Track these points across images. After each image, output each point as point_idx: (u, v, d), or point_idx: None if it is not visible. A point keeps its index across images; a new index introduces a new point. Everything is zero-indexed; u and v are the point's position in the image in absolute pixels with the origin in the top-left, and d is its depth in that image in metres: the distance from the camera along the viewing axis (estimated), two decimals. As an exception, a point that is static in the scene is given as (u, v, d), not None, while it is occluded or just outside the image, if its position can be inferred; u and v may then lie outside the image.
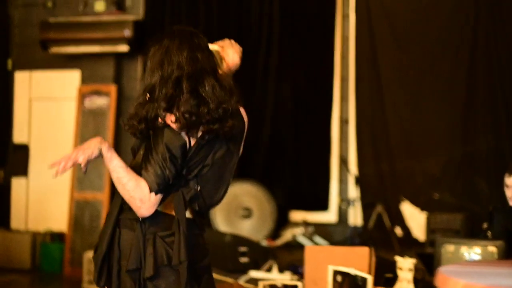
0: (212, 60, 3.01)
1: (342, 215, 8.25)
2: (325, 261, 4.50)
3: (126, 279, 2.92)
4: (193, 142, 2.88)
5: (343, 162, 8.24)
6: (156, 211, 2.86)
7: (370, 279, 4.27)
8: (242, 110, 3.04)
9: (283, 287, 4.74)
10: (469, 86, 7.63)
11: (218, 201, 3.00)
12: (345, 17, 8.33)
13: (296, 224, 8.03)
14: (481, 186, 7.53)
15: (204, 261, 2.97)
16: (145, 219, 2.87)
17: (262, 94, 8.21)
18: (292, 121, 8.32)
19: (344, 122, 8.30)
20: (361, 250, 4.54)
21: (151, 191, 2.81)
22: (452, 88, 7.70)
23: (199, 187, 2.92)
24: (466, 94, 7.64)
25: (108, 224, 2.97)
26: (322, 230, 7.97)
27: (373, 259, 4.49)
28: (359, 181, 7.98)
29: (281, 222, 7.99)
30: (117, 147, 8.78)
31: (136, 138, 3.01)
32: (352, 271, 4.38)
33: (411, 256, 5.05)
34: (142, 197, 2.81)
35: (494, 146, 7.53)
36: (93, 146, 2.87)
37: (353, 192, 8.13)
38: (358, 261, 4.46)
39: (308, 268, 4.58)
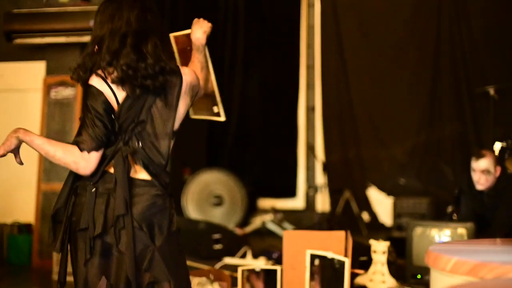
0: (160, 24, 3.17)
1: (310, 201, 8.34)
2: (303, 245, 4.58)
3: (77, 238, 3.03)
4: (122, 97, 3.01)
5: (310, 149, 8.33)
6: (105, 171, 3.01)
7: (347, 262, 4.37)
8: (186, 70, 3.18)
9: (261, 272, 4.81)
10: (434, 74, 7.77)
11: (164, 158, 3.07)
12: (310, 6, 8.39)
13: (265, 211, 8.11)
14: (445, 171, 7.68)
15: (171, 226, 3.07)
16: (96, 181, 3.00)
17: (229, 82, 8.27)
18: (259, 109, 8.40)
19: (310, 109, 8.39)
20: (337, 234, 4.63)
21: (82, 150, 2.95)
22: (417, 76, 7.83)
23: (140, 144, 3.03)
24: (431, 82, 7.78)
25: (64, 190, 3.09)
26: (290, 216, 8.05)
27: (350, 242, 4.59)
28: (326, 167, 8.06)
29: (251, 210, 8.06)
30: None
31: (82, 87, 3.10)
32: (330, 254, 4.47)
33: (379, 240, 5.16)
34: (74, 159, 2.96)
35: (458, 133, 7.69)
36: (9, 138, 3.08)
37: (321, 178, 8.22)
38: (335, 244, 4.55)
39: (286, 252, 4.66)
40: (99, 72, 3.00)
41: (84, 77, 3.05)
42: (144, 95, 3.03)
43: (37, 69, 9.01)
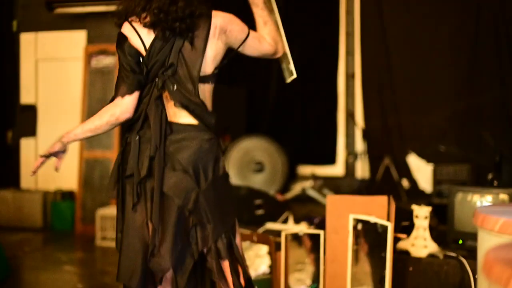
0: None
1: (350, 168, 8.36)
2: (346, 210, 4.61)
3: (126, 184, 3.18)
4: (149, 40, 3.13)
5: (350, 116, 8.33)
6: (146, 118, 3.15)
7: (390, 226, 4.40)
8: (219, 14, 3.24)
9: (304, 236, 4.86)
10: (474, 40, 7.68)
11: (200, 99, 3.14)
12: (349, -27, 8.37)
13: (305, 178, 8.15)
14: (486, 137, 7.65)
15: (217, 170, 3.16)
16: (139, 128, 3.15)
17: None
18: (298, 75, 8.39)
19: (350, 76, 8.37)
20: (380, 199, 4.65)
21: (114, 98, 3.17)
22: (457, 41, 7.75)
23: (174, 86, 3.13)
24: (471, 47, 7.69)
25: (120, 143, 3.37)
26: (330, 183, 8.08)
27: (392, 207, 4.61)
28: (366, 134, 8.07)
29: (291, 176, 8.11)
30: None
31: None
32: (373, 219, 4.50)
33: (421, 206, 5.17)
34: (111, 113, 3.16)
35: (499, 99, 7.62)
36: (53, 145, 3.27)
37: (360, 145, 8.23)
38: (377, 209, 4.57)
39: (330, 217, 4.69)
40: (132, 18, 3.14)
41: (119, 23, 3.22)
42: (172, 38, 3.13)
43: (78, 38, 9.12)
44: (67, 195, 8.98)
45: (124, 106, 3.14)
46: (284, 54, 3.58)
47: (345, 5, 8.31)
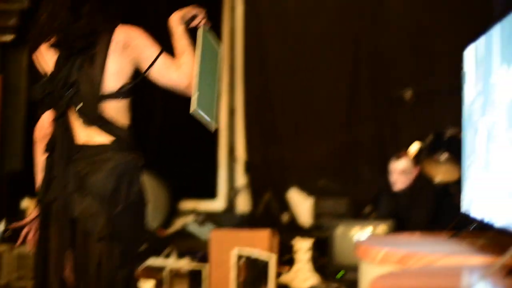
0: None
1: (231, 202, 8.37)
2: (229, 244, 4.63)
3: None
4: (52, 61, 3.11)
5: (231, 150, 8.36)
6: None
7: (273, 259, 4.44)
8: (123, 30, 3.16)
9: (188, 273, 4.84)
10: (352, 77, 7.91)
11: (104, 118, 3.09)
12: (233, 9, 8.44)
13: (187, 212, 8.10)
14: (364, 172, 7.84)
15: (130, 190, 3.11)
16: (49, 149, 3.15)
17: (151, 85, 8.22)
18: (182, 111, 8.36)
19: (232, 110, 8.42)
20: (262, 233, 4.71)
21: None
22: (337, 77, 7.95)
23: (79, 105, 3.07)
24: (350, 83, 7.92)
25: None
26: (211, 218, 8.06)
27: (275, 241, 4.66)
28: (247, 169, 8.12)
29: (173, 211, 8.05)
30: (1, 139, 8.61)
31: None
32: (256, 252, 4.54)
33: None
34: (36, 136, 3.24)
35: (376, 134, 7.84)
36: None
37: (242, 179, 8.27)
38: (260, 243, 4.62)
39: (213, 251, 4.70)
40: (42, 40, 3.11)
41: (33, 46, 3.17)
42: (74, 56, 3.07)
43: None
44: None
45: (40, 124, 3.18)
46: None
47: (228, 41, 8.38)
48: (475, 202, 2.92)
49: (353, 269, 4.53)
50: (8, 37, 8.37)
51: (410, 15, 7.76)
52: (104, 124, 3.06)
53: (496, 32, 2.57)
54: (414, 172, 6.07)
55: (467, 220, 3.06)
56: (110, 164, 3.03)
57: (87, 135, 3.09)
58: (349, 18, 7.99)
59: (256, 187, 8.08)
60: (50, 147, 3.13)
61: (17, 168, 8.61)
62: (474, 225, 3.03)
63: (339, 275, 5.10)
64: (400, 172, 6.02)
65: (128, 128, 3.16)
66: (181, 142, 8.43)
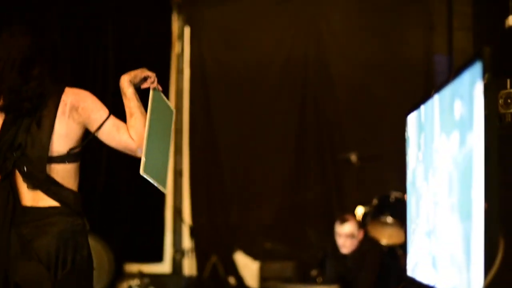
0: (51, 49, 3.21)
1: (177, 265, 8.30)
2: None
3: None
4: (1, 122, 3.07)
5: (178, 213, 8.32)
6: None
7: (218, 325, 4.39)
8: (71, 92, 3.14)
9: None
10: (299, 140, 7.99)
11: (52, 181, 3.05)
12: (180, 72, 8.49)
13: (132, 276, 7.99)
14: (310, 235, 7.85)
15: (76, 255, 3.08)
16: None
17: (97, 143, 8.14)
18: (127, 172, 8.31)
19: (178, 173, 8.39)
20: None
21: None
22: (283, 140, 8.02)
23: (25, 168, 3.04)
24: (296, 147, 7.99)
25: None
26: (157, 281, 7.96)
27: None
28: (193, 232, 8.06)
29: (117, 274, 7.92)
30: None
31: None
32: (200, 317, 4.48)
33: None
34: None
35: (322, 197, 7.89)
36: None
37: (188, 242, 8.20)
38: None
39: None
40: None
41: None
42: (20, 118, 3.04)
43: None
44: None
45: None
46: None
47: (174, 103, 8.40)
48: (420, 267, 2.93)
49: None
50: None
51: (355, 79, 7.90)
52: (50, 188, 3.02)
53: (436, 101, 2.62)
54: (359, 235, 6.09)
55: (412, 284, 3.07)
56: (56, 228, 2.98)
57: (33, 198, 3.04)
58: (295, 82, 8.10)
59: (202, 250, 8.03)
60: None
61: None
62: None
63: None
64: (346, 236, 6.05)
65: (75, 193, 3.11)
66: (126, 204, 8.35)
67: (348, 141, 7.81)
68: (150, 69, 3.38)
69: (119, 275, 8.02)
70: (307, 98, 8.07)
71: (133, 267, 8.18)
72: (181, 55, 8.52)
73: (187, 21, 8.51)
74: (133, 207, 8.40)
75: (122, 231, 8.28)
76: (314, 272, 6.62)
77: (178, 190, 8.40)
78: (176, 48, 8.55)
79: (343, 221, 6.12)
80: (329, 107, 7.98)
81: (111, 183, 8.28)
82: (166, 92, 8.44)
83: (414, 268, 3.09)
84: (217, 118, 8.22)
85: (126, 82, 3.23)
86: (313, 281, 6.47)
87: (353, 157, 7.15)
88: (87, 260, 3.09)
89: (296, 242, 7.90)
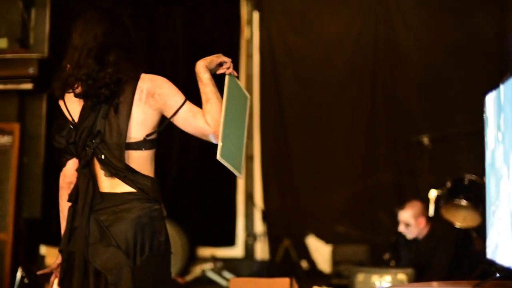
0: (128, 36, 3.20)
1: (249, 249, 8.36)
2: (249, 292, 4.60)
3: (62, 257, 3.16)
4: (77, 110, 3.09)
5: (249, 197, 8.37)
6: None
7: (293, 307, 4.40)
8: (148, 78, 3.12)
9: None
10: (370, 123, 7.95)
11: (129, 167, 3.04)
12: (249, 56, 8.52)
13: (205, 260, 8.09)
14: (382, 218, 7.81)
15: (154, 241, 3.06)
16: (73, 199, 3.12)
17: (169, 130, 8.26)
18: (198, 157, 8.39)
19: (249, 158, 8.44)
20: (282, 281, 4.65)
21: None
22: (354, 124, 8.00)
23: (103, 156, 3.04)
24: (367, 130, 7.96)
25: None
26: (230, 265, 8.05)
27: (295, 288, 4.62)
28: (265, 216, 8.11)
29: (191, 258, 8.03)
30: (20, 186, 8.64)
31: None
32: (276, 300, 4.50)
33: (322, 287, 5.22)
34: (62, 186, 3.28)
35: (394, 180, 7.84)
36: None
37: (260, 227, 8.26)
38: (280, 291, 4.58)
39: (233, 299, 4.66)
40: (68, 88, 3.08)
41: (58, 95, 3.14)
42: (98, 105, 3.05)
43: (-27, 116, 8.89)
44: (-42, 279, 8.61)
45: (64, 172, 3.19)
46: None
47: (244, 87, 8.42)
48: (501, 249, 2.89)
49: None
50: (28, 86, 8.45)
51: (425, 60, 7.82)
52: (128, 176, 3.02)
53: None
54: (419, 224, 6.04)
55: (492, 267, 3.03)
56: (133, 214, 2.98)
57: (111, 184, 3.05)
58: (365, 65, 8.05)
59: (274, 234, 8.07)
60: (74, 197, 3.10)
61: (36, 215, 8.64)
62: (500, 273, 2.99)
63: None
64: (402, 223, 6.04)
65: (153, 179, 3.09)
66: (199, 189, 8.44)
67: (419, 124, 7.74)
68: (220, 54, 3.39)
69: (193, 259, 8.13)
70: (377, 80, 8.02)
71: (206, 252, 8.28)
72: (250, 40, 8.56)
73: (256, 6, 8.54)
74: (205, 192, 8.48)
75: (195, 216, 8.37)
76: (386, 256, 6.59)
77: (250, 175, 8.45)
78: (245, 34, 8.59)
79: (400, 208, 6.11)
80: (399, 89, 7.92)
81: (183, 168, 8.38)
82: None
83: (495, 251, 3.05)
84: (287, 103, 8.22)
85: (202, 68, 3.23)
86: (386, 264, 6.44)
87: (425, 140, 7.09)
88: (165, 246, 3.05)
89: (368, 225, 7.87)
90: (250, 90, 8.49)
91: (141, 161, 3.06)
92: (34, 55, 8.57)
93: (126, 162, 3.03)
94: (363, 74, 8.04)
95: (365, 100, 8.00)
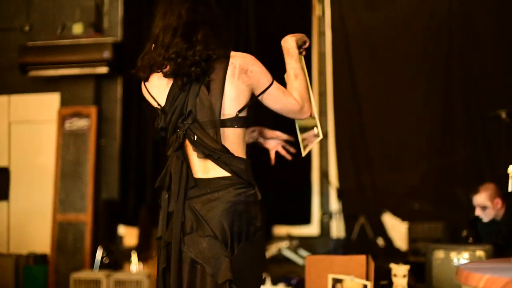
0: (213, 14, 3.17)
1: (325, 227, 8.36)
2: (325, 270, 4.60)
3: (159, 247, 3.11)
4: (164, 94, 3.08)
5: (324, 175, 8.36)
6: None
7: (369, 285, 4.39)
8: (239, 54, 3.09)
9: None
10: (445, 99, 7.83)
11: (224, 147, 3.00)
12: (321, 34, 8.48)
13: (281, 238, 8.13)
14: (459, 195, 7.71)
15: (249, 228, 3.02)
16: (167, 186, 3.09)
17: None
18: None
19: (324, 136, 8.41)
20: (358, 258, 4.64)
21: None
22: (429, 100, 7.89)
23: (195, 136, 3.01)
24: (442, 106, 7.84)
25: None
26: (306, 243, 8.07)
27: (371, 266, 4.61)
28: (340, 194, 8.09)
29: (266, 237, 8.08)
30: (98, 168, 8.82)
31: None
32: (352, 278, 4.49)
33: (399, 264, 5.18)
34: None
35: (471, 156, 7.72)
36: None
37: (335, 205, 8.25)
38: (356, 269, 4.57)
39: (309, 277, 4.67)
40: (155, 69, 3.08)
41: (143, 77, 3.14)
42: (188, 84, 3.03)
43: (51, 100, 9.11)
44: (40, 259, 8.85)
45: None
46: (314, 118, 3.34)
47: (317, 66, 8.41)
48: None
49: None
50: (103, 70, 8.61)
51: (502, 33, 7.66)
52: (221, 157, 2.97)
53: None
54: (496, 204, 5.93)
55: None
56: (229, 202, 2.94)
57: (204, 169, 3.01)
58: (439, 39, 7.92)
59: (349, 212, 8.05)
60: (166, 182, 3.06)
61: (114, 197, 8.81)
62: None
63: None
64: (478, 206, 5.94)
65: (246, 161, 3.07)
66: (274, 168, 8.45)
67: (496, 98, 7.58)
68: (291, 32, 3.39)
69: (269, 238, 8.18)
70: (452, 55, 7.88)
71: (282, 230, 8.31)
72: (322, 18, 8.51)
73: (327, -18, 8.49)
74: (280, 171, 8.49)
75: (271, 195, 8.40)
76: (464, 233, 6.50)
77: (324, 153, 8.43)
78: (316, 11, 8.54)
79: (475, 192, 6.00)
80: (475, 63, 7.77)
81: (258, 147, 8.40)
82: (308, 55, 8.46)
83: None
84: (360, 79, 8.16)
85: (294, 43, 3.24)
86: (463, 241, 6.35)
87: (503, 114, 6.94)
88: (260, 231, 3.02)
89: (444, 202, 7.77)
90: (323, 67, 8.47)
91: (233, 139, 3.02)
92: (109, 39, 8.74)
93: (220, 142, 2.98)
94: (437, 49, 7.91)
95: (440, 75, 7.88)
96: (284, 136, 3.41)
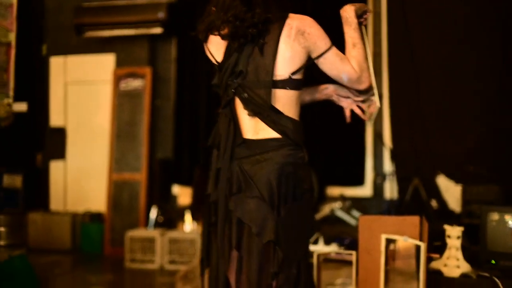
0: None
1: (378, 189, 8.35)
2: (378, 230, 4.60)
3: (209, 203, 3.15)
4: (221, 52, 3.10)
5: (378, 137, 8.31)
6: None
7: (423, 246, 4.38)
8: (296, 16, 3.07)
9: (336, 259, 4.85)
10: (503, 61, 7.69)
11: (274, 108, 3.00)
12: (377, -6, 8.40)
13: (334, 199, 8.14)
14: (515, 158, 7.62)
15: (297, 190, 3.03)
16: (217, 144, 3.12)
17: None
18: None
19: (378, 96, 8.34)
20: (412, 219, 4.63)
21: None
22: (486, 62, 7.75)
23: (246, 94, 3.02)
24: (500, 68, 7.70)
25: None
26: (358, 204, 8.08)
27: (425, 227, 4.59)
28: (394, 155, 8.05)
29: (320, 197, 8.10)
30: (153, 128, 8.91)
31: None
32: (405, 239, 4.49)
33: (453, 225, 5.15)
34: None
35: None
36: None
37: (388, 166, 8.22)
38: (409, 229, 4.56)
39: (362, 237, 4.67)
40: (214, 31, 3.10)
41: (203, 38, 3.17)
42: (242, 45, 3.03)
43: (107, 61, 9.21)
44: (96, 217, 9.03)
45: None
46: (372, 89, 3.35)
47: (372, 26, 8.33)
48: None
49: (506, 257, 4.43)
50: (157, 30, 8.65)
51: None
52: (270, 115, 2.97)
53: None
54: None
55: None
56: (277, 164, 2.93)
57: (254, 128, 3.03)
58: (497, 1, 7.76)
59: (403, 174, 8.00)
60: (216, 140, 3.10)
61: (168, 156, 8.90)
62: None
63: (492, 262, 4.97)
64: None
65: (295, 121, 3.06)
66: (328, 129, 8.45)
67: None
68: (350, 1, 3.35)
69: (322, 198, 8.20)
70: (511, 15, 7.72)
71: (335, 191, 8.33)
72: (377, -23, 8.42)
73: None
74: (334, 132, 8.49)
75: (324, 155, 8.40)
76: (519, 196, 6.44)
77: (378, 114, 8.34)
78: (372, -30, 8.45)
79: None
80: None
81: (312, 109, 8.39)
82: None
83: None
84: (416, 40, 8.05)
85: (353, 12, 3.21)
86: (518, 205, 6.29)
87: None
88: (308, 193, 3.02)
89: (500, 165, 7.67)
90: (378, 28, 8.39)
91: (285, 101, 3.01)
92: (163, 0, 8.76)
93: (270, 101, 2.98)
94: (495, 10, 7.74)
95: (497, 36, 7.73)
96: (360, 98, 3.38)
